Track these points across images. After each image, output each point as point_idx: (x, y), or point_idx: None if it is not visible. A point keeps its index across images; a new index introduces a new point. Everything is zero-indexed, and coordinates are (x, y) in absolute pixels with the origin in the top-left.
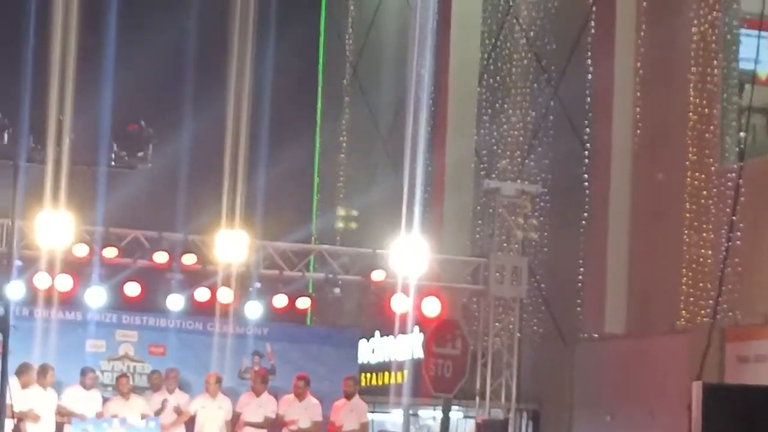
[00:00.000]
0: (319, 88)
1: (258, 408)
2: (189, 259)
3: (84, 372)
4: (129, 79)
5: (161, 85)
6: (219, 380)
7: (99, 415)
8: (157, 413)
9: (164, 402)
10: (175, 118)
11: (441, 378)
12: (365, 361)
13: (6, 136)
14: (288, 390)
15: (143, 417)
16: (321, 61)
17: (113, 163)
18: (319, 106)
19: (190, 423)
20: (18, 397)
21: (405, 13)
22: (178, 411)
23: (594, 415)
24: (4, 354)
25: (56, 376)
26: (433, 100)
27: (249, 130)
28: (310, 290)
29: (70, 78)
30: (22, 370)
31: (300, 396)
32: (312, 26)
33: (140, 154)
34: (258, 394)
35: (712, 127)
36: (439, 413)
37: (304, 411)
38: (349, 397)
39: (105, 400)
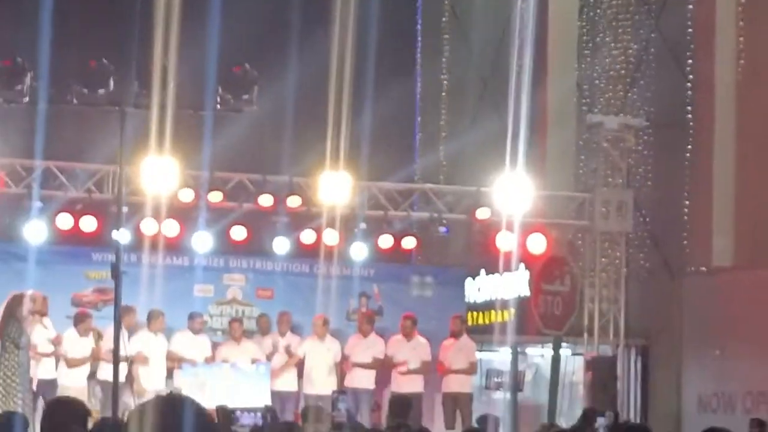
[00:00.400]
0: (419, 28)
1: (366, 349)
2: (294, 202)
3: (192, 316)
4: (232, 23)
5: (264, 28)
6: (326, 322)
7: (209, 360)
8: (269, 357)
9: (275, 345)
10: (278, 60)
11: (550, 315)
12: (471, 300)
13: (112, 82)
14: (395, 331)
15: (253, 361)
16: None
17: (219, 106)
18: (418, 46)
19: (300, 365)
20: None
21: None
22: (289, 353)
23: (703, 350)
24: (117, 299)
25: (166, 322)
26: (534, 35)
27: (351, 72)
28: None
29: (174, 22)
30: (123, 314)
31: (408, 336)
32: None
33: (245, 96)
34: (365, 335)
35: None
36: (546, 351)
37: (413, 351)
38: (456, 336)
39: (215, 344)
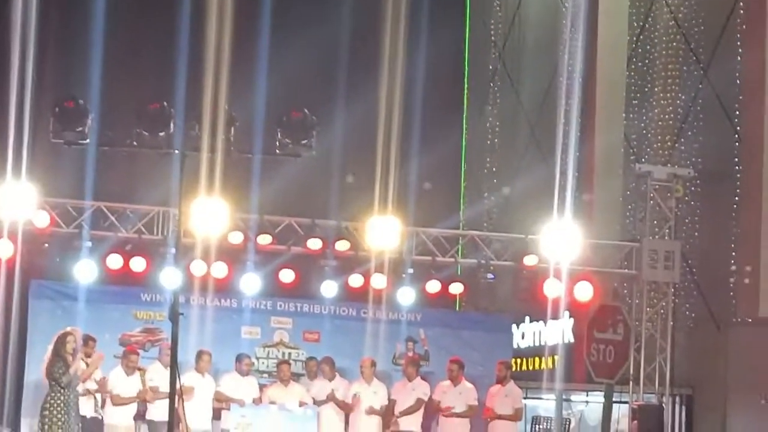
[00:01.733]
0: (466, 76)
1: (411, 392)
2: (342, 246)
3: (239, 358)
4: (283, 69)
5: (314, 73)
6: (374, 364)
7: (256, 402)
8: (322, 402)
9: (324, 390)
10: (328, 107)
11: (602, 363)
12: (515, 346)
13: (172, 125)
14: (441, 375)
15: (301, 404)
16: (467, 48)
17: (278, 150)
18: (465, 93)
19: (347, 408)
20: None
21: None
22: (337, 401)
23: (749, 399)
24: (174, 341)
25: (214, 362)
26: (582, 84)
27: (400, 119)
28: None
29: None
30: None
31: (454, 380)
32: (458, 14)
33: (304, 141)
34: (410, 378)
35: None
36: (592, 398)
37: (459, 396)
38: (502, 382)
39: (261, 386)
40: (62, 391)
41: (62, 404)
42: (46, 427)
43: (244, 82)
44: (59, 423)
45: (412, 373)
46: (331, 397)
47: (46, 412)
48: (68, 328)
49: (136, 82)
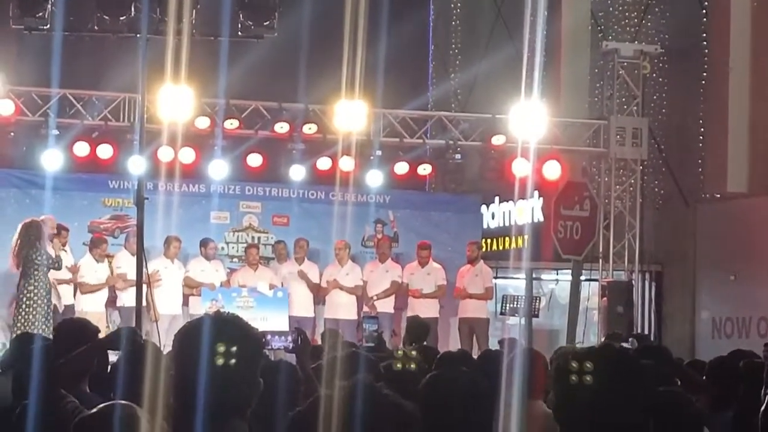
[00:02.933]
0: None
1: (384, 273)
2: (310, 129)
3: (204, 242)
4: None
5: None
6: (347, 247)
7: (225, 285)
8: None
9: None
10: None
11: (569, 240)
12: (485, 227)
13: (132, 9)
14: (411, 257)
15: (271, 287)
16: None
17: (240, 33)
18: None
19: (318, 290)
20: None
21: None
22: (307, 280)
23: (717, 275)
24: (140, 227)
25: (182, 249)
26: None
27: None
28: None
29: None
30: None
31: (423, 263)
32: None
33: (266, 23)
34: (383, 260)
35: None
36: (561, 276)
37: (428, 276)
38: (472, 262)
39: (231, 271)
40: (37, 274)
41: (44, 291)
42: (29, 315)
43: None
44: (41, 311)
45: (385, 254)
46: (302, 276)
47: (26, 299)
48: (42, 216)
49: None
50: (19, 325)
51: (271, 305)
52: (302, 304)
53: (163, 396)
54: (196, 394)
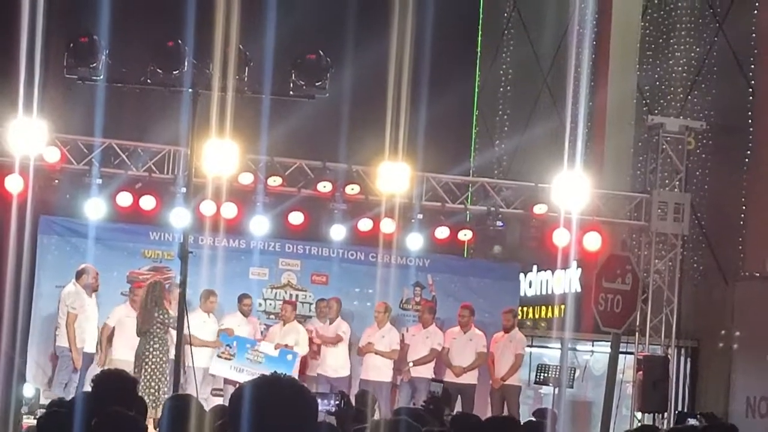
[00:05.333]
0: (480, 22)
1: (425, 339)
2: (352, 190)
3: (240, 298)
4: (295, 11)
5: (328, 16)
6: (388, 309)
7: (259, 341)
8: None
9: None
10: (340, 49)
11: (610, 313)
12: (522, 294)
13: (186, 63)
14: (449, 323)
15: (277, 347)
16: None
17: (292, 92)
18: (479, 39)
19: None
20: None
21: None
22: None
23: (753, 354)
24: (183, 281)
25: (220, 303)
26: (596, 35)
27: (412, 63)
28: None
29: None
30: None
31: (464, 326)
32: None
33: (318, 83)
34: (425, 325)
35: None
36: (597, 348)
37: (469, 342)
38: (507, 330)
39: (268, 327)
40: (164, 336)
41: (167, 348)
42: (156, 372)
43: (257, 23)
44: (166, 368)
45: (428, 319)
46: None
47: (152, 357)
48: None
49: (150, 19)
50: (146, 382)
51: (277, 365)
52: (339, 364)
53: None
54: None
